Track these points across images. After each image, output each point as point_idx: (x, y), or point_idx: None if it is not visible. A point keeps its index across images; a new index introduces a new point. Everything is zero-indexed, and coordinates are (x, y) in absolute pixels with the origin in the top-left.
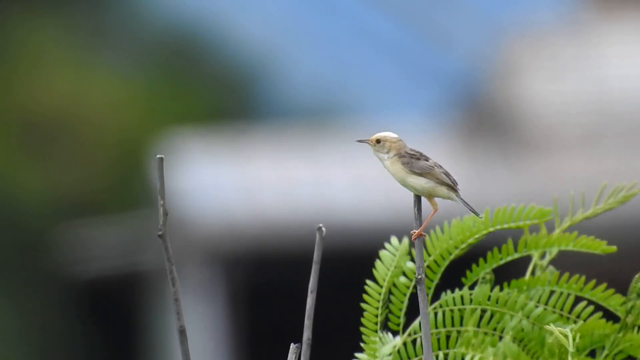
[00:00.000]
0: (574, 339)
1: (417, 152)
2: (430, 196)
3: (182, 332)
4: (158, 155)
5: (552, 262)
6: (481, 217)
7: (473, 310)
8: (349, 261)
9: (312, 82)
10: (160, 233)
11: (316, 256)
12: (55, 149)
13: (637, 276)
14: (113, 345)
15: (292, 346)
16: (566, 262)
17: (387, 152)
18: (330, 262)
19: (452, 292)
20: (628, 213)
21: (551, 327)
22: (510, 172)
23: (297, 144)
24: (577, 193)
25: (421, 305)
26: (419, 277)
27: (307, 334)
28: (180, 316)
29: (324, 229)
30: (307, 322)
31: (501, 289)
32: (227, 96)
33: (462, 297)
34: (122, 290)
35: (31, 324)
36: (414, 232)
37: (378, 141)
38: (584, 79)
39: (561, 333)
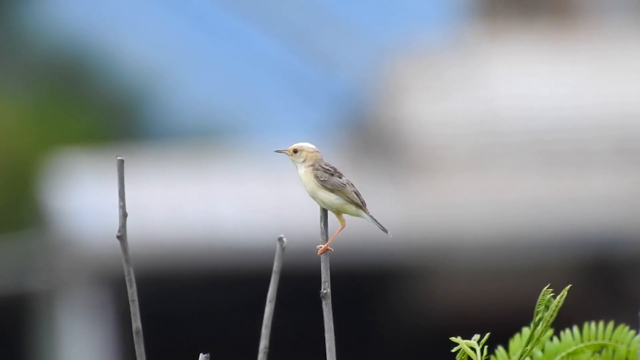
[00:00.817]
0: (481, 352)
1: (332, 167)
2: (339, 212)
3: (138, 333)
4: (119, 158)
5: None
6: (389, 235)
7: None
8: (236, 280)
9: (200, 103)
10: (119, 234)
11: (276, 266)
12: None
13: (545, 289)
14: None
15: (202, 356)
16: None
17: (303, 162)
18: (218, 281)
19: None
20: (511, 232)
21: (458, 339)
22: (397, 192)
23: (185, 164)
24: (462, 213)
25: (326, 320)
26: (325, 291)
27: (264, 342)
28: (135, 317)
29: (284, 239)
30: (265, 332)
31: None
32: (115, 117)
33: None
34: (8, 311)
35: None
36: (320, 247)
37: (295, 151)
38: (470, 99)
39: (468, 345)
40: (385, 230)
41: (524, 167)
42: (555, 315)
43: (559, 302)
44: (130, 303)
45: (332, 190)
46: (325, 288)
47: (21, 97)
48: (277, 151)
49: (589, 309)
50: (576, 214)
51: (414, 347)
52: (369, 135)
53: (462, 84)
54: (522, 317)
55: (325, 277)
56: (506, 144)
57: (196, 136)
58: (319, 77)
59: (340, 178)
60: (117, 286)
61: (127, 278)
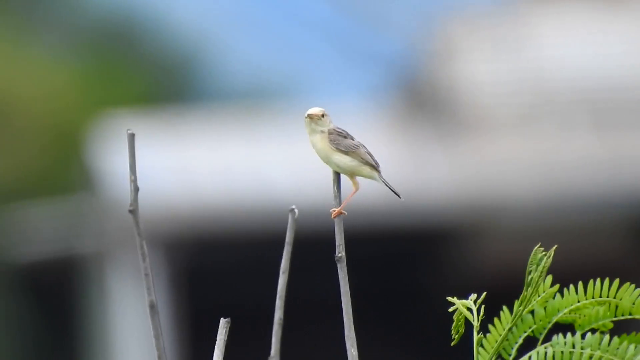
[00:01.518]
0: (478, 313)
1: (343, 130)
2: (353, 175)
3: (153, 307)
4: (129, 131)
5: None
6: (402, 199)
7: (581, 354)
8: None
9: (249, 65)
10: (131, 209)
11: (288, 237)
12: None
13: (536, 247)
14: (51, 329)
15: (222, 321)
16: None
17: (326, 127)
18: (271, 244)
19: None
20: (564, 195)
21: (454, 299)
22: (447, 153)
23: (234, 126)
24: (512, 174)
25: (341, 283)
26: (339, 255)
27: (278, 314)
28: (150, 290)
29: (296, 210)
30: (279, 302)
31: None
32: (163, 79)
33: (573, 343)
34: (59, 274)
35: None
36: (334, 210)
37: (323, 115)
38: (520, 59)
39: (464, 305)
40: (398, 195)
41: (573, 127)
42: (543, 275)
43: (546, 262)
44: (144, 277)
45: (346, 153)
46: (340, 252)
47: (70, 59)
48: (307, 116)
49: (638, 271)
50: (627, 174)
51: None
52: (419, 96)
53: (512, 44)
54: (569, 278)
55: (339, 240)
56: (556, 103)
57: (246, 99)
58: (369, 38)
59: (353, 140)
60: (168, 249)
61: (139, 252)
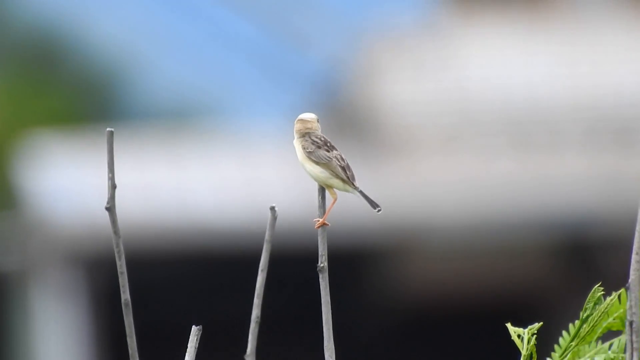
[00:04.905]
0: (528, 341)
1: (323, 140)
2: (327, 186)
3: (127, 305)
4: (108, 129)
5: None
6: (379, 211)
7: None
8: (208, 261)
9: (173, 84)
10: (108, 206)
11: (267, 235)
12: None
13: (596, 286)
14: None
15: (194, 328)
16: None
17: (298, 131)
18: (189, 263)
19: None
20: (489, 214)
21: (508, 325)
22: (371, 172)
23: (157, 145)
24: (436, 194)
25: (323, 293)
26: (322, 265)
27: (255, 312)
28: (125, 289)
29: (276, 208)
30: (257, 301)
31: None
32: (88, 97)
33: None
34: None
35: None
36: (317, 221)
37: (300, 121)
38: (443, 81)
39: (515, 333)
40: (375, 206)
41: (497, 148)
42: (602, 316)
43: (609, 304)
44: (120, 275)
45: (317, 163)
46: (322, 262)
47: None
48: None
49: (564, 290)
50: (549, 195)
51: (386, 327)
52: (343, 116)
53: (436, 66)
54: (495, 298)
55: (322, 250)
56: (479, 125)
57: (168, 117)
58: (292, 58)
59: (329, 152)
60: (90, 267)
61: (115, 250)
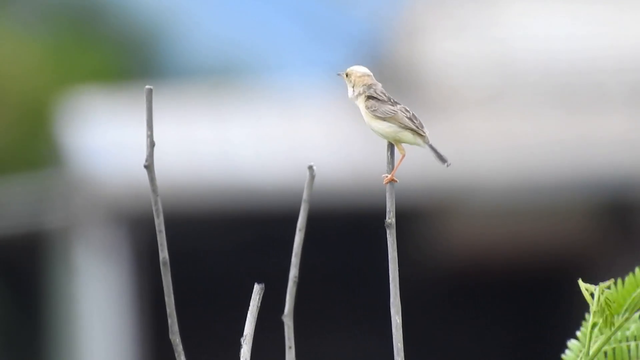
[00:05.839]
0: (598, 299)
1: (383, 93)
2: (396, 141)
3: (165, 264)
4: (147, 87)
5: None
6: (448, 165)
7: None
8: (253, 221)
9: (216, 42)
10: (146, 164)
11: (305, 195)
12: None
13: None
14: (17, 305)
15: (256, 287)
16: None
17: (353, 87)
18: (234, 223)
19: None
20: (528, 175)
21: (580, 282)
22: None
23: (200, 103)
24: (479, 154)
25: (390, 249)
26: (389, 221)
27: (293, 271)
28: (163, 247)
29: (315, 167)
30: (295, 260)
31: None
32: (131, 55)
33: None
34: (26, 249)
35: None
36: (386, 176)
37: (347, 75)
38: (486, 39)
39: (587, 289)
40: (443, 160)
41: (540, 108)
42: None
43: None
44: (158, 234)
45: (383, 119)
46: (390, 217)
47: (36, 35)
48: (338, 74)
49: (605, 252)
50: (592, 156)
51: (428, 288)
52: (385, 75)
53: (478, 23)
54: (537, 259)
55: (390, 206)
56: (522, 84)
57: (211, 75)
58: (334, 16)
59: (393, 105)
60: (133, 225)
61: (154, 208)
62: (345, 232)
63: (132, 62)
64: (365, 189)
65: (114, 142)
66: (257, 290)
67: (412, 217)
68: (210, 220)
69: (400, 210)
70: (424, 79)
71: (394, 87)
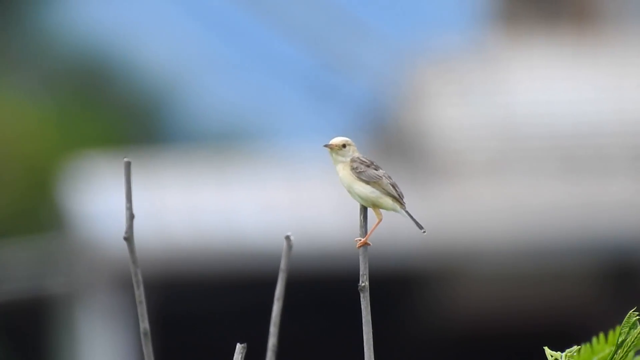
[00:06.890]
0: None
1: (369, 160)
2: (375, 206)
3: (146, 334)
4: (125, 159)
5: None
6: (424, 232)
7: None
8: (254, 284)
9: (220, 107)
10: (126, 236)
11: (283, 264)
12: None
13: (631, 311)
14: None
15: (238, 346)
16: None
17: (349, 156)
18: (238, 287)
19: None
20: (536, 239)
21: (545, 349)
22: (418, 196)
23: (205, 168)
24: (484, 219)
25: (364, 313)
26: (363, 284)
27: (272, 340)
28: (143, 318)
29: (292, 237)
30: (273, 329)
31: None
32: (135, 120)
33: None
34: (29, 314)
35: None
36: (359, 240)
37: (344, 145)
38: (490, 104)
39: (552, 356)
40: (420, 227)
41: (543, 173)
42: (637, 341)
43: None
44: (138, 304)
45: (367, 182)
46: (364, 281)
47: (41, 100)
48: (325, 146)
49: (609, 316)
50: (596, 219)
51: (435, 351)
52: (390, 139)
53: (483, 89)
54: (542, 323)
55: (363, 270)
56: (526, 149)
57: (215, 140)
58: (339, 81)
59: (377, 170)
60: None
61: (134, 279)
62: (352, 293)
63: (137, 128)
64: (370, 253)
65: (117, 207)
66: (239, 349)
67: (418, 282)
68: (214, 283)
69: (406, 274)
70: (429, 144)
71: (399, 152)
